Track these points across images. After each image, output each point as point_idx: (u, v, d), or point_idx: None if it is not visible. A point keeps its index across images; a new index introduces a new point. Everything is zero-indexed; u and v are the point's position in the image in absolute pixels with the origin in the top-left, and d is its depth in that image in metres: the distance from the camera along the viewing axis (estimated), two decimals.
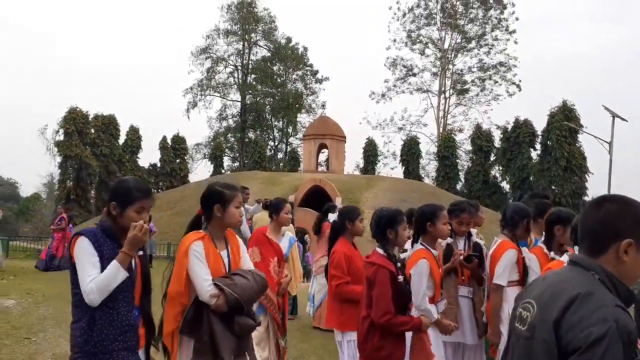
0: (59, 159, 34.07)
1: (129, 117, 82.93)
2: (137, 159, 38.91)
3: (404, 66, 45.78)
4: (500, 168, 38.43)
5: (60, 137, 33.75)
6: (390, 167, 45.50)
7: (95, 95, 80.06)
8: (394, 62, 45.72)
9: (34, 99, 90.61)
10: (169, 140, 40.00)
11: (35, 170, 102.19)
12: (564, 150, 33.77)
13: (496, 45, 43.66)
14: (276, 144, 51.82)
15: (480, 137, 39.10)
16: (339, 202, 23.00)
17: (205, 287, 2.86)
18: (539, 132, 36.25)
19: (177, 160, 40.29)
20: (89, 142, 34.48)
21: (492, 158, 39.05)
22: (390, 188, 25.13)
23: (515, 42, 43.13)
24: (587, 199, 34.63)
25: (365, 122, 46.31)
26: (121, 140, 37.67)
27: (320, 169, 32.24)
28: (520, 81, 43.63)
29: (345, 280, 4.24)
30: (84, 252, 2.54)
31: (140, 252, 2.76)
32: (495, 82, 44.39)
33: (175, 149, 40.00)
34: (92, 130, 35.13)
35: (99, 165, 34.18)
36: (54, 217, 22.49)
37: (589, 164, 34.79)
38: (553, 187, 34.34)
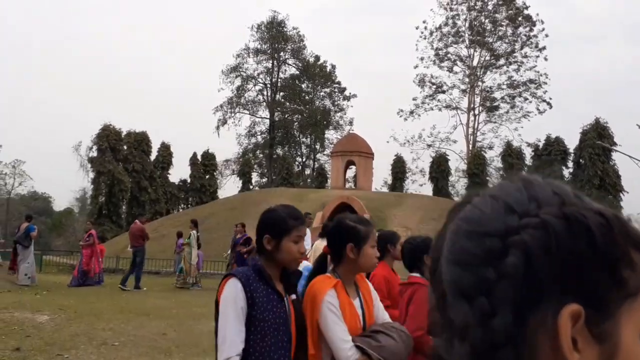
0: (92, 175, 35.00)
1: (160, 134, 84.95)
2: (168, 175, 39.67)
3: (433, 83, 45.62)
4: None
5: (94, 154, 34.71)
6: (419, 184, 45.13)
7: (128, 112, 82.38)
8: (422, 80, 45.62)
9: (66, 115, 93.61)
10: (199, 157, 40.68)
11: (68, 185, 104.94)
12: (597, 169, 32.96)
13: (525, 63, 43.21)
14: (303, 160, 52.15)
15: (511, 154, 38.52)
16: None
17: (346, 350, 2.35)
18: (571, 150, 35.52)
19: (207, 177, 40.87)
20: (122, 159, 35.33)
21: None
22: (420, 206, 24.90)
23: (545, 59, 42.58)
24: None
25: (392, 140, 46.02)
26: (152, 157, 38.49)
27: (347, 185, 32.23)
28: (550, 98, 42.96)
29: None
30: (229, 300, 2.18)
31: (294, 296, 2.38)
32: (526, 99, 43.81)
33: (205, 165, 40.62)
34: (125, 147, 36.02)
35: (130, 181, 34.93)
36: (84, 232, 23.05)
37: (624, 183, 33.88)
38: None
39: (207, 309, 9.24)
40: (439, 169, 40.56)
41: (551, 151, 36.17)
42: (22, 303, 9.20)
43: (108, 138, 34.22)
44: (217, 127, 48.55)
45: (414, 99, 46.01)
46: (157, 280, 15.80)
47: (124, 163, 35.35)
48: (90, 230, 14.42)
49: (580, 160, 34.36)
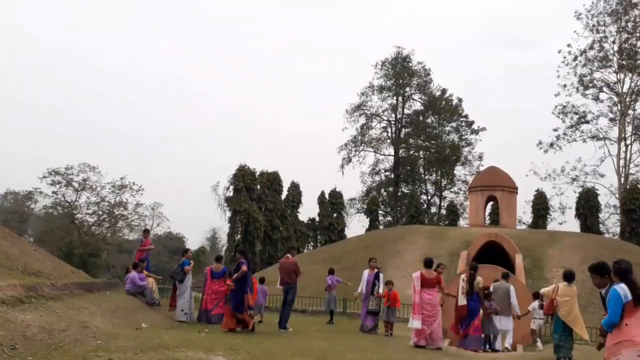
0: (228, 214, 36.52)
1: (289, 174, 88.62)
2: (298, 214, 40.26)
3: (576, 113, 41.92)
4: None
5: (230, 194, 36.30)
6: (558, 222, 40.98)
7: (261, 153, 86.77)
8: (563, 109, 42.16)
9: (201, 162, 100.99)
10: (326, 195, 40.87)
11: (198, 225, 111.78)
12: None
13: None
14: (429, 198, 50.31)
15: None
16: (519, 259, 20.75)
17: None
18: None
19: (334, 215, 40.80)
20: (256, 198, 36.52)
21: None
22: (577, 245, 22.14)
23: None
24: None
25: (532, 174, 42.62)
26: (283, 196, 39.39)
27: (486, 223, 30.03)
28: None
29: None
30: None
31: None
32: None
33: (332, 204, 40.68)
34: (258, 187, 37.26)
35: (264, 219, 35.84)
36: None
37: None
38: None
39: (383, 356, 8.35)
40: (587, 204, 36.60)
41: None
42: (190, 341, 8.98)
43: (244, 178, 35.67)
44: (342, 166, 48.89)
45: (555, 130, 42.62)
46: (305, 319, 15.28)
47: (258, 202, 36.50)
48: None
49: None
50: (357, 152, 49.41)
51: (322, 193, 41.08)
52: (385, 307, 11.53)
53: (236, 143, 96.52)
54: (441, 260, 22.53)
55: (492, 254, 22.19)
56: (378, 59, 56.31)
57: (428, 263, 9.75)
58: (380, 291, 11.74)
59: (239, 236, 35.89)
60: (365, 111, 49.69)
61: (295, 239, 37.61)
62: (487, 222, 31.58)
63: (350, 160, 49.15)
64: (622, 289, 5.06)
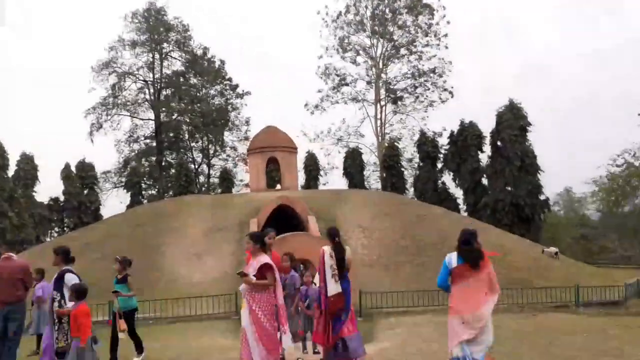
0: None
1: (18, 143, 71.63)
2: (34, 194, 31.88)
3: (337, 75, 42.89)
4: (451, 173, 36.45)
5: None
6: (323, 183, 41.90)
7: None
8: (326, 71, 42.70)
9: None
10: (73, 168, 33.39)
11: None
12: (517, 150, 32.31)
13: (426, 52, 42.13)
14: (196, 166, 46.38)
15: (426, 143, 36.98)
16: (313, 222, 18.90)
17: None
18: (488, 134, 34.75)
19: (85, 192, 33.73)
20: None
21: (440, 164, 37.13)
22: (366, 203, 21.46)
23: (446, 47, 41.84)
24: (542, 198, 33.43)
25: (302, 135, 42.39)
26: (10, 172, 30.55)
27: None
28: (452, 87, 42.32)
29: None
30: None
31: None
32: (427, 89, 42.78)
33: (82, 178, 33.54)
34: None
35: None
36: None
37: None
38: (508, 189, 32.76)
39: None
40: (354, 163, 37.96)
41: (467, 136, 35.08)
42: None
43: None
44: (91, 133, 41.10)
45: (319, 91, 43.07)
46: None
47: None
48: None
49: (498, 143, 33.57)
50: (109, 117, 42.13)
51: (67, 166, 33.43)
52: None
53: None
54: (231, 232, 19.33)
55: (283, 218, 19.93)
56: (127, 9, 48.77)
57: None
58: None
59: None
60: (116, 69, 42.48)
61: (32, 226, 29.57)
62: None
63: (101, 127, 41.66)
64: (449, 256, 5.43)
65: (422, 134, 37.93)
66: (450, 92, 42.34)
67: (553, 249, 22.08)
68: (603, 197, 33.22)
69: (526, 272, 18.21)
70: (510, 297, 13.97)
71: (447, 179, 37.06)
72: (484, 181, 35.01)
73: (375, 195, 23.13)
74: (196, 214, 19.93)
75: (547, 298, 15.18)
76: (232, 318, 12.95)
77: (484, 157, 35.25)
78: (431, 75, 42.42)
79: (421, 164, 37.39)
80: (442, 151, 37.02)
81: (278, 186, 27.25)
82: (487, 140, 34.90)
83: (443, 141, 37.38)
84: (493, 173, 33.53)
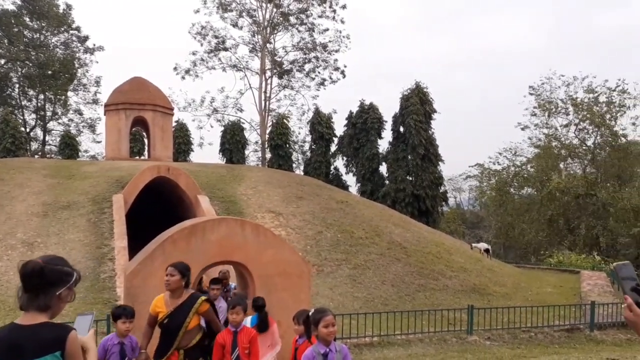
0: None
1: None
2: None
3: (216, 36, 36.46)
4: (345, 158, 32.57)
5: None
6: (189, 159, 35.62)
7: None
8: (202, 30, 36.03)
9: None
10: None
11: None
12: (422, 138, 29.43)
13: (319, 25, 37.71)
14: (28, 130, 36.67)
15: (321, 123, 32.61)
16: (205, 203, 13.05)
17: None
18: (391, 118, 31.54)
19: None
20: None
21: (334, 147, 33.08)
22: (269, 181, 16.12)
23: (342, 22, 37.87)
24: (442, 189, 31.13)
25: (171, 102, 35.19)
26: None
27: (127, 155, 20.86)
28: (345, 66, 38.53)
29: None
30: None
31: None
32: (318, 65, 38.46)
33: None
34: None
35: None
36: None
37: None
38: (410, 178, 29.80)
39: None
40: (233, 139, 32.22)
41: (367, 119, 31.45)
42: None
43: None
44: None
45: (193, 53, 36.23)
46: None
47: None
48: None
49: (401, 129, 30.43)
50: None
51: None
52: None
53: None
54: (81, 211, 12.68)
55: (158, 196, 13.77)
56: None
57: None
58: None
59: None
60: None
61: None
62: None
63: None
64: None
65: (317, 112, 33.46)
66: (342, 72, 38.51)
67: (483, 245, 19.08)
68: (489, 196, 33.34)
69: (476, 276, 14.52)
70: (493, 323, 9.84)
71: (340, 164, 33.21)
72: (382, 169, 31.75)
73: (279, 174, 17.89)
74: (27, 183, 12.93)
75: (550, 319, 11.05)
76: None
77: (384, 143, 32.07)
78: (322, 51, 38.14)
79: (313, 146, 32.95)
80: (337, 134, 33.07)
81: (144, 157, 20.66)
82: (389, 125, 31.69)
83: (339, 122, 33.50)
84: (394, 161, 30.31)
